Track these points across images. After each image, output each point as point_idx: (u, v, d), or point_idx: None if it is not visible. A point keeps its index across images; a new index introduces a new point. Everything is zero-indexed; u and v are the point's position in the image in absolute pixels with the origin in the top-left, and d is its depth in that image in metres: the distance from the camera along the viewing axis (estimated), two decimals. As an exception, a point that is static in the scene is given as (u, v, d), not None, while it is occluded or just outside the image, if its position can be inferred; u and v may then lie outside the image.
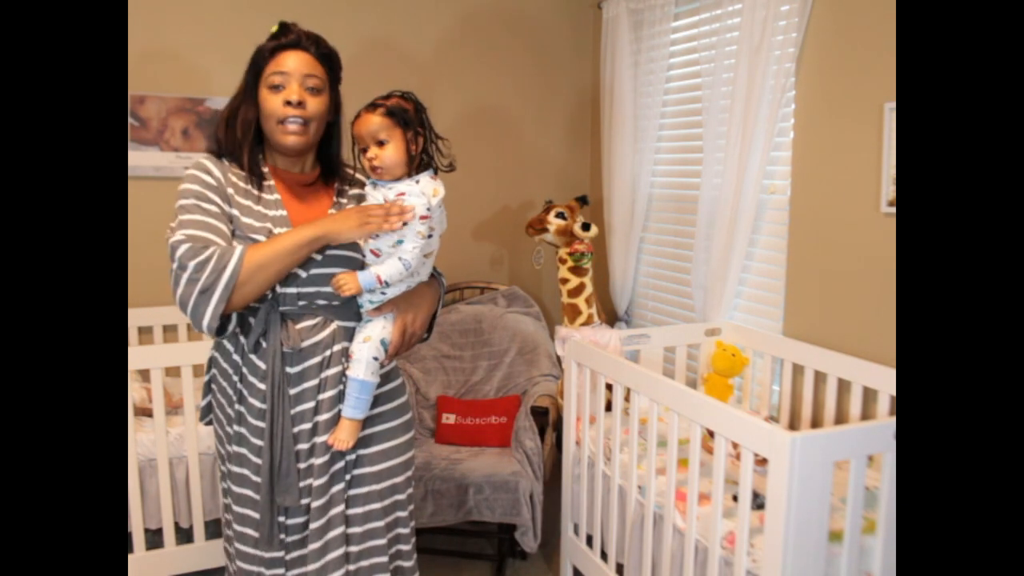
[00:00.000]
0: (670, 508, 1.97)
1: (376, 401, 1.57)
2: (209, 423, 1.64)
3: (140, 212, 2.97)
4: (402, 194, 1.47)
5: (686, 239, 2.99)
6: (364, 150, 1.49)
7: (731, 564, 1.80)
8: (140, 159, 2.95)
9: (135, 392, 2.52)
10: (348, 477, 1.56)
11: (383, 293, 1.54)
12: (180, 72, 2.99)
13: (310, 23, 1.53)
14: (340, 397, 1.52)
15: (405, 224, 1.46)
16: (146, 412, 2.52)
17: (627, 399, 2.30)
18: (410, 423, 1.69)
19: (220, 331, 1.44)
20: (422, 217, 1.47)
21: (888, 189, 2.15)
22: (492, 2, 3.43)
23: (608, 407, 2.62)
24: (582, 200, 3.03)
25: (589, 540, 2.39)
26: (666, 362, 2.76)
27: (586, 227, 2.87)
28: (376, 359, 1.52)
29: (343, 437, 1.50)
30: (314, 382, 1.49)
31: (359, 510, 1.57)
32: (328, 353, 1.50)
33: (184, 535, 2.46)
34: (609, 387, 2.49)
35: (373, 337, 1.52)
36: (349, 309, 1.54)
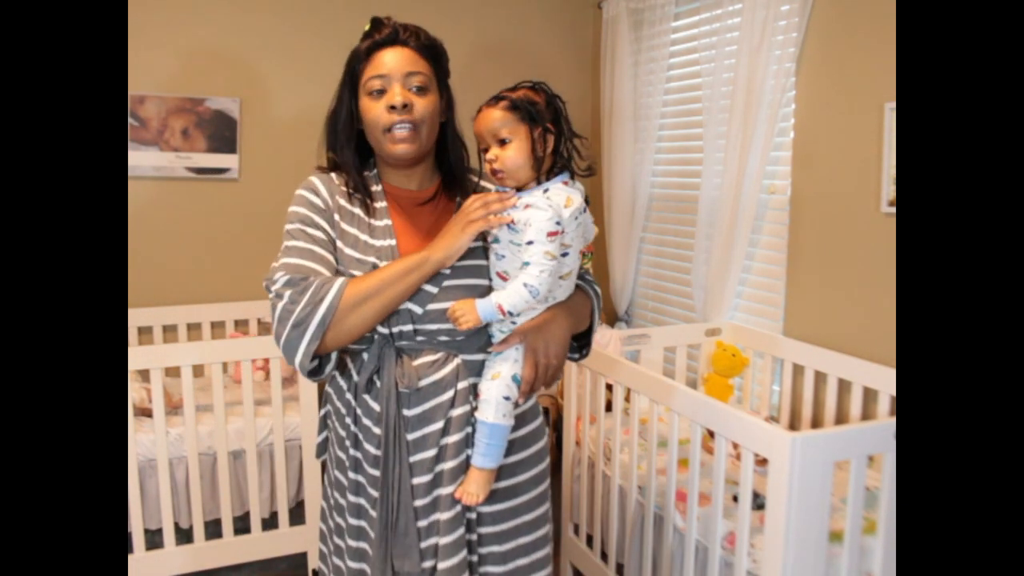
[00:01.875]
0: (670, 508, 1.97)
1: (509, 448, 1.33)
2: (324, 460, 1.48)
3: (140, 212, 2.97)
4: (528, 206, 1.25)
5: (686, 239, 2.99)
6: (485, 150, 1.30)
7: (731, 564, 1.80)
8: (140, 159, 2.95)
9: (135, 392, 2.52)
10: (474, 536, 1.34)
11: (513, 323, 1.31)
12: (180, 72, 2.99)
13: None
14: (467, 441, 1.29)
15: (514, 219, 1.24)
16: (146, 412, 2.52)
17: (627, 399, 2.30)
18: (546, 472, 1.43)
19: (316, 372, 1.26)
20: (550, 233, 1.22)
21: (888, 189, 2.15)
22: (491, 2, 3.43)
23: (608, 407, 2.62)
24: (582, 200, 3.03)
25: (589, 540, 2.39)
26: (666, 362, 2.76)
27: (586, 227, 2.87)
28: (508, 399, 1.28)
29: (472, 490, 1.27)
30: (438, 425, 1.28)
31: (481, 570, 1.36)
32: (452, 392, 1.28)
33: (184, 535, 2.45)
34: (609, 387, 2.49)
35: (503, 373, 1.29)
36: (476, 341, 1.32)
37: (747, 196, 2.54)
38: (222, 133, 3.05)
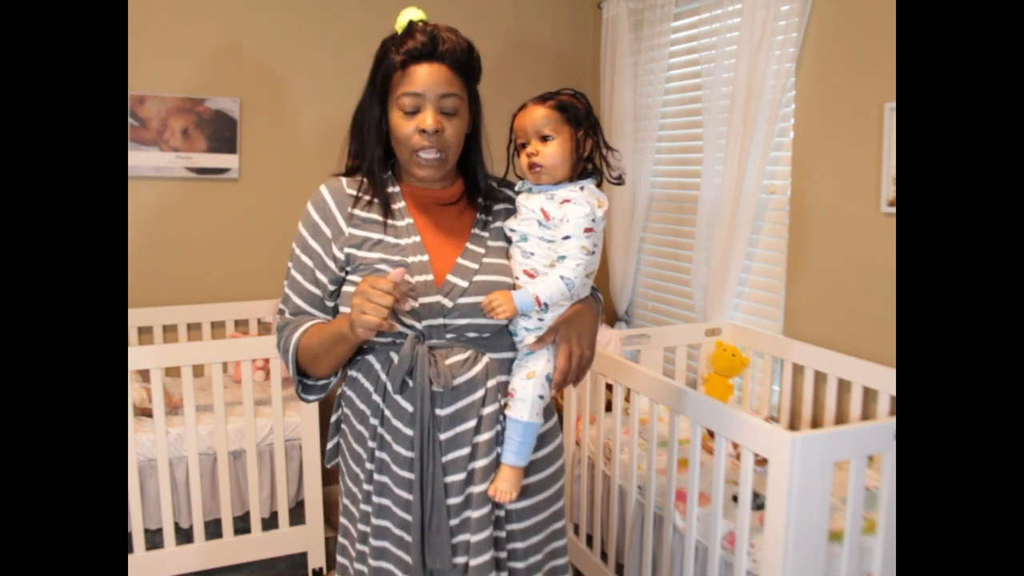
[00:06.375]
0: (670, 508, 1.97)
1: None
2: (335, 467, 1.48)
3: (140, 212, 2.97)
4: (566, 200, 1.28)
5: (686, 239, 2.99)
6: (523, 145, 1.33)
7: (731, 564, 1.80)
8: (140, 159, 2.95)
9: (135, 392, 2.52)
10: (503, 533, 1.36)
11: (540, 320, 1.33)
12: (180, 72, 2.99)
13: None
14: (497, 439, 1.31)
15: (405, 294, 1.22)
16: (146, 412, 2.52)
17: (627, 399, 2.30)
18: (562, 469, 1.46)
19: (322, 389, 1.40)
20: (587, 229, 1.27)
21: (888, 189, 2.15)
22: (491, 2, 3.43)
23: (608, 407, 2.62)
24: (582, 200, 3.03)
25: (589, 540, 2.39)
26: (666, 362, 2.76)
27: (586, 227, 2.87)
28: (542, 398, 1.32)
29: (505, 487, 1.29)
30: (470, 424, 1.29)
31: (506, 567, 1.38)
32: (483, 391, 1.30)
33: (184, 535, 2.45)
34: (609, 387, 2.49)
35: (538, 373, 1.32)
36: (503, 340, 1.34)
37: (747, 196, 2.54)
38: (222, 133, 3.05)
